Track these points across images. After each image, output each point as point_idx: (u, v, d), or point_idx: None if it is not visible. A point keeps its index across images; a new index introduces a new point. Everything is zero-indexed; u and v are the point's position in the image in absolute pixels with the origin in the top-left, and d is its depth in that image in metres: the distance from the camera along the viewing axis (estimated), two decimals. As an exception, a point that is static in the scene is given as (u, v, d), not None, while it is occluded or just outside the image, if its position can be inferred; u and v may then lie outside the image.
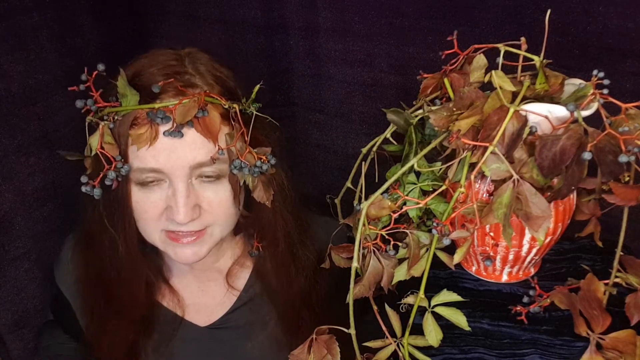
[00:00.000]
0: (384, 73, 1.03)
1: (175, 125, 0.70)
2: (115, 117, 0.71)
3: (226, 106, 0.73)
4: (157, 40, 1.17)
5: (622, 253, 0.68)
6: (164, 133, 0.70)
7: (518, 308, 0.71)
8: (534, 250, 0.71)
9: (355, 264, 0.66)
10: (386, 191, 0.68)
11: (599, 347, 0.61)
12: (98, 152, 0.70)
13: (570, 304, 0.67)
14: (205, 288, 0.90)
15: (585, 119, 0.59)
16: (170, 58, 0.75)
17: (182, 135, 0.70)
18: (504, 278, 0.77)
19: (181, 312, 0.89)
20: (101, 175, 0.71)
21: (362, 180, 0.77)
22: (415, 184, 0.70)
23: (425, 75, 0.74)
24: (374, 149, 0.81)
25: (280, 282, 0.85)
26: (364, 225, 0.66)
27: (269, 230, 0.83)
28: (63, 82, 1.01)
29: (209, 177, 0.74)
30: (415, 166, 0.67)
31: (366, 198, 0.67)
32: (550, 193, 0.61)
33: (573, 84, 0.66)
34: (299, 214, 0.86)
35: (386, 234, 0.67)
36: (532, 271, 0.78)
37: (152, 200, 0.74)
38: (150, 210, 0.74)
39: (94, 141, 0.70)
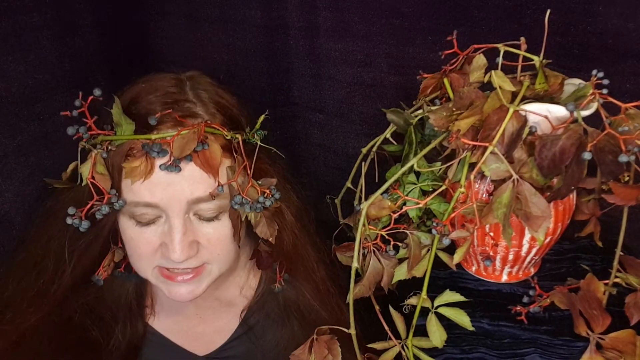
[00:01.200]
0: (383, 73, 1.03)
1: (172, 158, 0.65)
2: (109, 147, 0.67)
3: (228, 137, 0.69)
4: (157, 40, 1.16)
5: (622, 253, 0.68)
6: (160, 167, 0.65)
7: (518, 308, 0.71)
8: (534, 250, 0.71)
9: (355, 264, 0.66)
10: (386, 191, 0.68)
11: (598, 347, 0.61)
12: (88, 182, 0.65)
13: (570, 304, 0.67)
14: (203, 316, 0.86)
15: (585, 118, 0.59)
16: (170, 84, 0.71)
17: (179, 170, 0.65)
18: (504, 278, 0.77)
19: (178, 340, 0.85)
20: (88, 206, 0.66)
21: (362, 180, 0.78)
22: (415, 184, 0.70)
23: (425, 75, 0.74)
24: (374, 149, 0.81)
25: (305, 306, 0.82)
26: (364, 225, 0.66)
27: (296, 260, 0.79)
28: (63, 82, 1.01)
29: (208, 215, 0.70)
30: (415, 166, 0.67)
31: (366, 198, 0.67)
32: (550, 193, 0.61)
33: (573, 84, 0.66)
34: (318, 238, 0.83)
35: (386, 234, 0.67)
36: (532, 271, 0.78)
37: (146, 236, 0.69)
38: (143, 247, 0.70)
39: (85, 170, 0.66)
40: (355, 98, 1.07)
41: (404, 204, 0.68)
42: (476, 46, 0.69)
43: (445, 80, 0.69)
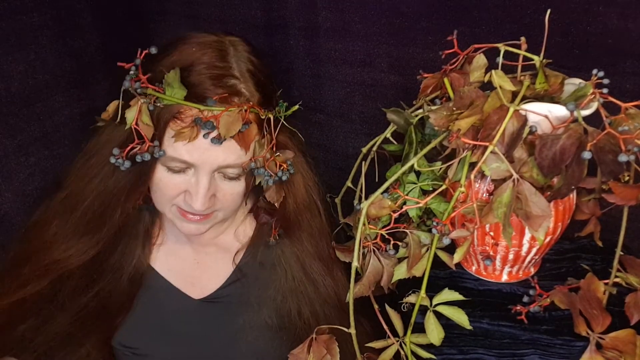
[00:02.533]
0: (384, 73, 1.03)
1: (218, 135, 0.73)
2: (157, 102, 0.73)
3: (263, 117, 0.77)
4: (157, 40, 1.16)
5: (622, 253, 0.68)
6: (204, 135, 0.73)
7: (518, 308, 0.71)
8: (534, 250, 0.71)
9: (355, 264, 0.66)
10: (386, 191, 0.68)
11: (598, 346, 0.62)
12: (133, 127, 0.72)
13: (570, 303, 0.67)
14: (201, 261, 0.92)
15: (585, 118, 0.59)
16: (216, 55, 0.77)
17: (221, 143, 0.73)
18: (504, 278, 0.77)
19: (176, 282, 0.90)
20: (130, 148, 0.73)
21: (362, 179, 0.78)
22: (415, 183, 0.70)
23: (425, 75, 0.74)
24: (374, 148, 0.81)
25: (297, 266, 0.88)
26: (364, 224, 0.66)
27: (292, 221, 0.86)
28: (63, 82, 1.01)
29: (230, 176, 0.79)
30: (415, 166, 0.67)
31: (366, 198, 0.67)
32: (550, 192, 0.61)
33: (573, 83, 0.66)
34: (325, 207, 0.89)
35: (386, 233, 0.67)
36: (532, 271, 0.78)
37: (175, 182, 0.78)
38: (170, 190, 0.78)
39: (131, 115, 0.72)
40: (355, 98, 1.07)
41: (404, 203, 0.68)
42: (476, 46, 0.69)
43: (446, 80, 0.69)
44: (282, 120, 0.80)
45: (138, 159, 0.73)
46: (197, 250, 0.92)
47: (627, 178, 0.64)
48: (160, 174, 0.78)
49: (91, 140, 0.82)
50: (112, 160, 0.74)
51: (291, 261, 0.88)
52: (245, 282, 0.90)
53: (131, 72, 0.73)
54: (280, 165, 0.79)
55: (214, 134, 0.73)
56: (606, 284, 0.67)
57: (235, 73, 0.77)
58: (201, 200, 0.76)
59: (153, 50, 0.74)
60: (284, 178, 0.79)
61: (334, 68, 1.06)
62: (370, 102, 1.06)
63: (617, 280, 0.68)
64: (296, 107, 0.83)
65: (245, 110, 0.74)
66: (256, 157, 0.77)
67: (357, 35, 1.02)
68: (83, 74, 1.05)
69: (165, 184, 0.78)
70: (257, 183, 0.80)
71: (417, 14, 0.97)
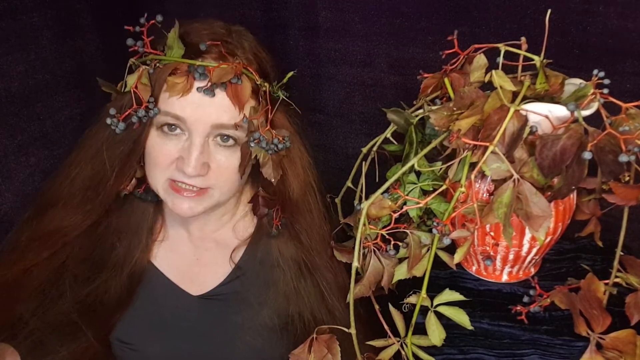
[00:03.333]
0: (384, 73, 1.03)
1: (209, 84, 0.74)
2: (157, 65, 0.76)
3: (258, 82, 0.78)
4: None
5: (622, 253, 0.68)
6: (197, 89, 0.74)
7: (518, 308, 0.71)
8: (534, 250, 0.71)
9: (355, 264, 0.66)
10: (386, 191, 0.68)
11: (599, 346, 0.62)
12: (132, 90, 0.74)
13: (570, 303, 0.67)
14: (200, 257, 0.91)
15: (586, 118, 0.59)
16: (220, 26, 0.80)
17: (213, 95, 0.74)
18: (504, 278, 0.77)
19: (174, 279, 0.90)
20: (127, 112, 0.75)
21: (363, 180, 0.78)
22: (415, 183, 0.70)
23: (425, 75, 0.74)
24: (374, 148, 0.81)
25: (305, 256, 0.87)
26: (364, 225, 0.66)
27: (294, 206, 0.85)
28: (63, 82, 1.01)
29: (226, 139, 0.78)
30: (416, 166, 0.67)
31: (366, 198, 0.67)
32: (551, 193, 0.61)
33: (573, 83, 0.66)
34: (323, 189, 0.89)
35: (386, 233, 0.67)
36: (532, 271, 0.78)
37: (167, 147, 0.78)
38: (162, 157, 0.78)
39: (131, 80, 0.75)
40: (356, 98, 1.07)
41: (405, 203, 0.68)
42: (477, 46, 0.69)
43: (446, 80, 0.69)
44: (281, 96, 0.81)
45: (134, 119, 0.75)
46: (197, 246, 0.92)
47: (627, 178, 0.64)
48: (153, 140, 0.78)
49: (101, 112, 0.83)
50: (108, 121, 0.75)
51: (290, 262, 0.87)
52: (245, 280, 0.89)
53: (129, 41, 0.76)
54: (277, 137, 0.78)
55: (206, 83, 0.74)
56: (606, 284, 0.67)
57: (234, 41, 0.79)
58: (193, 164, 0.75)
59: (159, 17, 0.76)
60: (279, 147, 0.78)
61: (334, 68, 1.06)
62: (371, 102, 1.06)
63: (617, 280, 0.68)
64: (291, 73, 0.83)
65: (239, 67, 0.75)
66: (251, 117, 0.77)
67: (357, 35, 1.02)
68: (83, 74, 1.05)
69: (158, 151, 0.78)
70: (253, 157, 0.78)
71: (417, 14, 0.97)
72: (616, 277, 0.68)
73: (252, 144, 0.77)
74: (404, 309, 0.68)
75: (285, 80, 0.82)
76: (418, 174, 0.71)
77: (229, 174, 0.80)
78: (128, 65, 0.77)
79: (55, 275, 0.84)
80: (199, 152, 0.75)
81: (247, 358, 0.86)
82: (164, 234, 0.92)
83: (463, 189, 0.62)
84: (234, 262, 0.90)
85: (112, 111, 0.76)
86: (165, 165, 0.78)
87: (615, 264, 0.68)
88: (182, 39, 0.76)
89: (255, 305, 0.87)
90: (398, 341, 0.67)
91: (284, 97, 0.81)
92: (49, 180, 0.87)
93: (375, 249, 0.67)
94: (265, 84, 0.79)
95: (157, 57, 0.76)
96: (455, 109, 0.63)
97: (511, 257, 0.72)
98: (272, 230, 0.87)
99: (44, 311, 0.83)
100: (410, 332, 0.66)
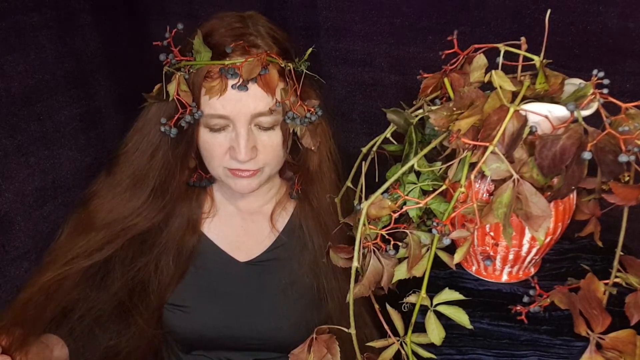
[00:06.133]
0: (384, 73, 1.03)
1: (241, 80, 0.81)
2: (190, 70, 0.82)
3: (282, 65, 0.84)
4: (157, 40, 1.16)
5: (622, 253, 0.68)
6: (232, 86, 0.81)
7: (518, 308, 0.71)
8: (534, 250, 0.71)
9: (355, 264, 0.66)
10: (386, 191, 0.68)
11: (598, 346, 0.61)
12: (175, 97, 0.81)
13: (570, 303, 0.67)
14: (247, 228, 1.00)
15: (585, 118, 0.59)
16: (235, 20, 0.86)
17: (247, 89, 0.81)
18: (504, 278, 0.77)
19: (224, 247, 0.98)
20: (176, 118, 0.82)
21: (362, 179, 0.77)
22: (415, 183, 0.70)
23: (425, 75, 0.74)
24: (374, 148, 0.81)
25: (320, 223, 0.95)
26: (364, 225, 0.66)
27: (315, 174, 0.94)
28: (63, 82, 1.01)
29: (265, 125, 0.85)
30: (416, 166, 0.67)
31: (366, 198, 0.67)
32: (550, 193, 0.61)
33: (573, 83, 0.66)
34: (339, 162, 0.96)
35: (386, 233, 0.67)
36: (532, 271, 0.78)
37: (218, 141, 0.86)
38: (216, 149, 0.86)
39: (172, 88, 0.81)
40: (356, 98, 1.07)
41: (404, 203, 0.68)
42: (476, 46, 0.69)
43: (446, 80, 0.69)
44: (304, 69, 0.87)
45: (182, 123, 0.82)
46: (244, 219, 1.00)
47: (627, 178, 0.64)
48: (204, 136, 0.86)
49: (139, 119, 0.89)
50: (162, 129, 0.83)
51: (308, 226, 0.96)
52: (288, 247, 0.98)
53: (161, 57, 0.82)
54: (309, 110, 0.85)
55: (238, 80, 0.81)
56: (606, 284, 0.67)
57: (252, 31, 0.85)
58: (244, 150, 0.83)
59: (180, 26, 0.81)
60: (313, 119, 0.85)
61: (334, 68, 1.06)
62: (371, 102, 1.06)
63: (617, 280, 0.68)
64: (310, 50, 0.89)
65: (263, 57, 0.81)
66: (283, 100, 0.84)
67: (357, 35, 1.02)
68: (83, 74, 1.05)
69: (211, 145, 0.86)
70: (291, 131, 0.86)
71: (417, 13, 0.97)
72: (616, 277, 0.68)
73: (289, 121, 0.85)
74: (403, 309, 0.68)
75: (305, 57, 0.89)
76: (418, 174, 0.71)
77: (274, 152, 0.88)
78: (163, 73, 0.83)
79: (103, 261, 0.90)
80: (246, 140, 0.83)
81: (290, 319, 0.95)
82: (214, 211, 1.00)
83: (463, 189, 0.62)
84: (278, 231, 0.98)
85: (163, 120, 0.83)
86: (220, 156, 0.86)
87: (615, 264, 0.68)
88: (206, 42, 0.82)
89: (296, 268, 0.96)
90: (398, 340, 0.67)
91: (306, 71, 0.88)
92: (99, 185, 0.92)
93: (375, 249, 0.67)
94: (289, 64, 0.85)
95: (189, 62, 0.82)
96: (455, 109, 0.63)
97: (511, 257, 0.72)
98: (292, 193, 0.97)
99: (93, 296, 0.91)
100: (409, 332, 0.66)
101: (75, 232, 0.90)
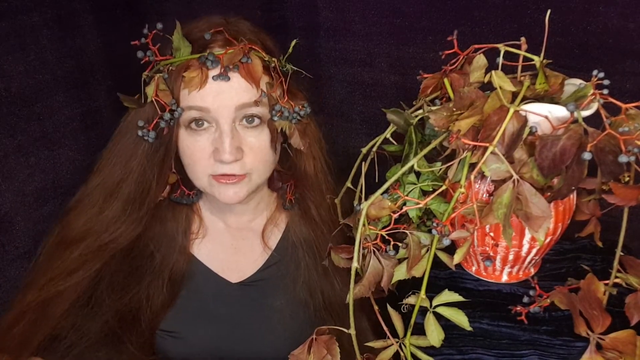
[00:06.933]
0: (384, 73, 1.03)
1: (222, 69, 0.77)
2: (170, 68, 0.79)
3: (266, 59, 0.81)
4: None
5: (622, 253, 0.68)
6: (213, 77, 0.78)
7: (518, 308, 0.71)
8: (534, 251, 0.71)
9: (355, 264, 0.66)
10: (386, 191, 0.68)
11: (598, 347, 0.61)
12: (153, 99, 0.78)
13: (570, 304, 0.67)
14: (238, 246, 0.95)
15: (585, 119, 0.59)
16: (217, 18, 0.84)
17: (228, 79, 0.78)
18: (504, 278, 0.77)
19: (215, 268, 0.94)
20: (155, 121, 0.78)
21: (362, 180, 0.77)
22: (415, 184, 0.70)
23: (425, 75, 0.74)
24: (374, 149, 0.81)
25: (315, 235, 0.92)
26: (364, 225, 0.66)
27: (309, 178, 0.90)
28: (63, 82, 1.01)
29: (252, 118, 0.81)
30: (415, 166, 0.67)
31: (366, 198, 0.67)
32: (551, 193, 0.61)
33: (573, 84, 0.66)
34: (331, 164, 0.93)
35: (386, 234, 0.67)
36: (532, 271, 0.78)
37: (200, 143, 0.81)
38: (198, 153, 0.82)
39: (150, 90, 0.78)
40: (356, 98, 1.07)
41: (404, 204, 0.68)
42: (476, 46, 0.69)
43: (446, 80, 0.69)
44: (290, 69, 0.84)
45: (162, 124, 0.78)
46: (234, 236, 0.96)
47: (627, 179, 0.64)
48: (185, 141, 0.82)
49: (118, 126, 0.85)
50: (140, 133, 0.79)
51: (302, 239, 0.92)
52: (281, 265, 0.94)
53: (139, 54, 0.79)
54: (297, 105, 0.82)
55: (217, 71, 0.77)
56: (606, 284, 0.67)
57: (234, 28, 0.83)
58: (228, 149, 0.78)
59: (159, 25, 0.79)
60: (301, 114, 0.82)
61: (334, 68, 1.06)
62: (371, 102, 1.06)
63: (617, 280, 0.68)
64: (294, 42, 0.85)
65: (246, 47, 0.79)
66: (269, 92, 0.80)
67: (357, 35, 1.02)
68: (83, 74, 1.05)
69: (192, 149, 0.81)
70: (279, 130, 0.81)
71: (417, 13, 0.97)
72: (616, 277, 0.68)
73: (276, 118, 0.80)
74: (403, 310, 0.68)
75: (290, 50, 0.85)
76: (418, 174, 0.71)
77: (262, 154, 0.83)
78: (142, 79, 0.80)
79: (91, 287, 0.85)
80: (230, 138, 0.79)
81: (286, 340, 0.90)
82: (203, 232, 0.95)
83: (463, 190, 0.62)
84: (270, 249, 0.94)
85: (141, 123, 0.79)
86: (203, 160, 0.82)
87: (615, 264, 0.68)
88: (187, 37, 0.79)
89: (291, 286, 0.92)
90: (397, 342, 0.67)
91: (292, 69, 0.84)
92: (79, 197, 0.87)
93: (374, 249, 0.67)
94: (273, 59, 0.82)
95: (168, 61, 0.79)
96: (454, 109, 0.63)
97: (511, 257, 0.72)
98: (285, 204, 0.93)
99: (83, 324, 0.84)
100: (409, 333, 0.66)
101: (51, 250, 0.85)
